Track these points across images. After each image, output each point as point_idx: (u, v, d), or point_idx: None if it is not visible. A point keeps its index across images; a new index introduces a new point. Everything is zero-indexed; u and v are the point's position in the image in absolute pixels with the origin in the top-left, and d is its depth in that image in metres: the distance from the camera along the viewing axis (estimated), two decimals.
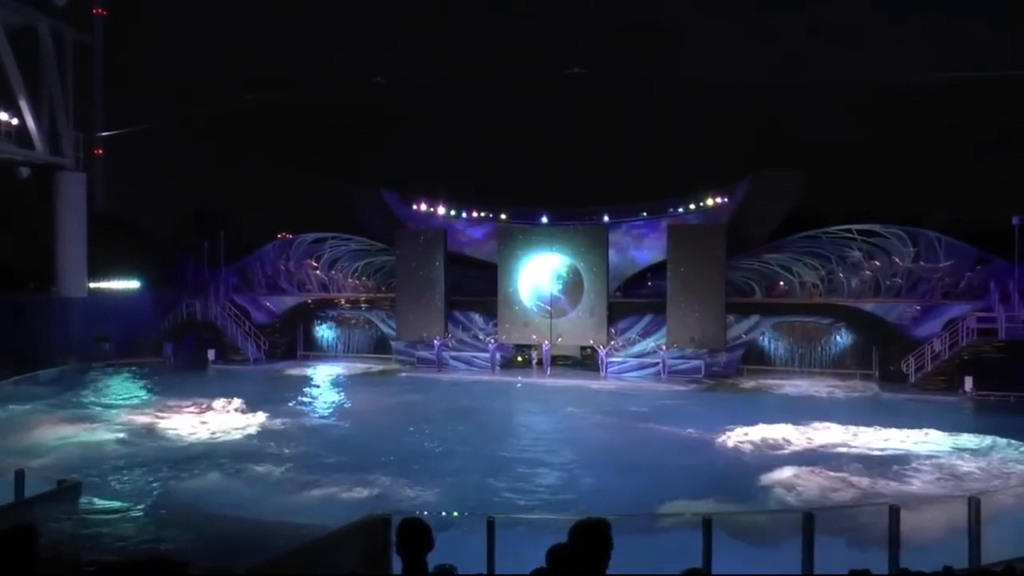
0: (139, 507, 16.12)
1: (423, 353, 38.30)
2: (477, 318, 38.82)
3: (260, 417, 26.57)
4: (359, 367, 38.75)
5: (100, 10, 55.03)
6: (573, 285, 36.48)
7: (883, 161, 63.72)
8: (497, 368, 36.71)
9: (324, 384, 35.05)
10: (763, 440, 23.16)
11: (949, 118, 58.25)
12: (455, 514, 15.68)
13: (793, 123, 66.76)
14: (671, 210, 39.34)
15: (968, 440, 22.56)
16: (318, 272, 41.70)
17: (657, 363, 34.92)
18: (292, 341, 42.54)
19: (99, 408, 28.75)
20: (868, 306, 34.01)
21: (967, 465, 19.91)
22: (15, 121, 36.96)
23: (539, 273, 36.95)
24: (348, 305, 41.66)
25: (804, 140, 62.88)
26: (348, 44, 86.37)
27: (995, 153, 60.48)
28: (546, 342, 36.43)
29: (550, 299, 36.59)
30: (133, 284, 43.47)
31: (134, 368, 37.73)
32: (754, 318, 35.63)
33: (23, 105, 37.15)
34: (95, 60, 49.19)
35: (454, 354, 37.88)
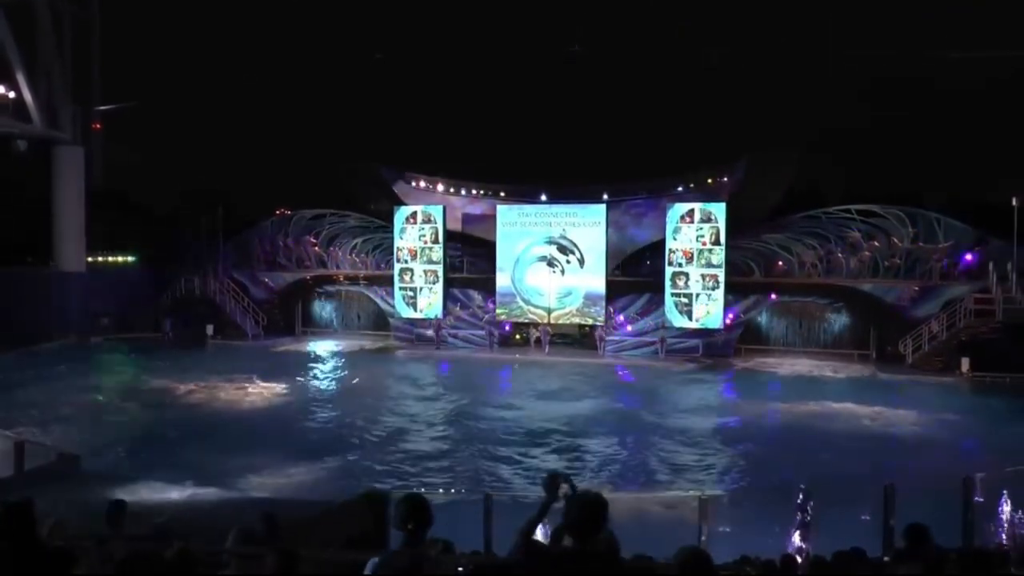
0: (137, 480, 16.17)
1: (421, 330, 38.34)
2: (476, 295, 38.84)
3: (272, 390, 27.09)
4: (358, 344, 38.78)
5: None
6: (571, 263, 36.53)
7: (882, 140, 63.46)
8: (495, 346, 36.76)
9: (324, 361, 35.09)
10: None
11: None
12: (452, 491, 15.80)
13: (793, 103, 66.51)
14: (671, 189, 39.22)
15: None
16: (316, 249, 41.59)
17: (655, 342, 34.99)
18: (290, 317, 42.55)
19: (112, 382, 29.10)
20: (867, 286, 34.03)
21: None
22: (12, 95, 36.79)
23: (537, 251, 36.97)
24: (347, 282, 41.61)
25: (804, 120, 62.63)
26: (347, 20, 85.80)
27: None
28: (543, 322, 36.50)
29: (547, 277, 36.66)
30: (131, 259, 43.43)
31: (133, 343, 37.76)
32: (752, 298, 35.68)
33: (20, 79, 36.97)
34: (93, 34, 48.77)
35: (452, 331, 37.91)
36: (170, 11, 72.35)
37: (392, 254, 39.10)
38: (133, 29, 62.16)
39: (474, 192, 42.94)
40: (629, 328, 36.02)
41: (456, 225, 40.16)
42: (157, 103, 60.45)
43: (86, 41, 46.82)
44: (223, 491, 14.68)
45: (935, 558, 5.83)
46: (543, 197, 39.87)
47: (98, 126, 49.65)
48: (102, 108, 50.14)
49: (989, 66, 50.28)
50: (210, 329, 39.79)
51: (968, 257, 32.28)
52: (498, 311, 37.53)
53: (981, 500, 11.10)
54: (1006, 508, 10.45)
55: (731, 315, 35.05)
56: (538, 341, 36.54)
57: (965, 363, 29.88)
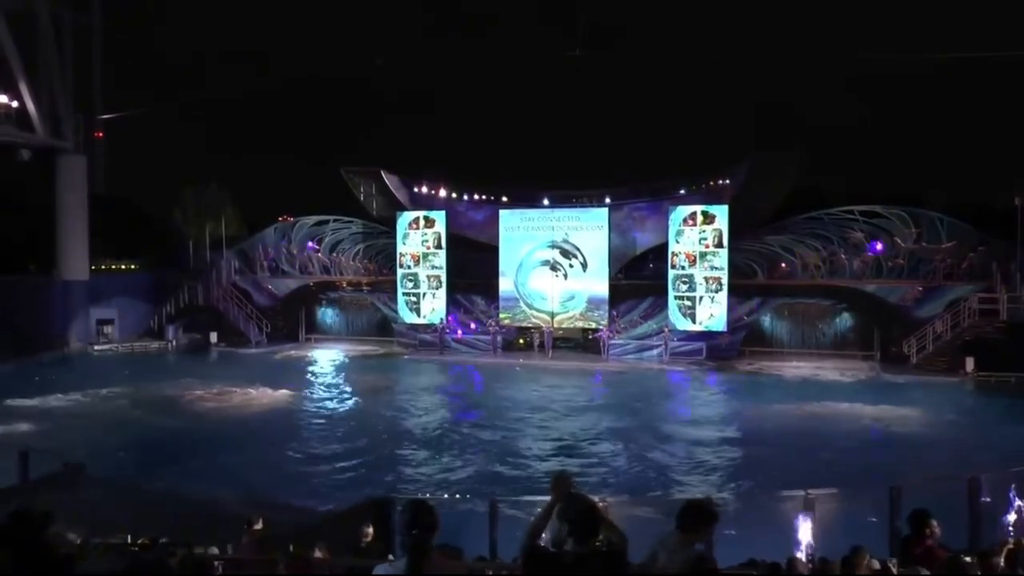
0: (142, 487, 16.17)
1: (425, 336, 38.31)
2: (479, 300, 38.80)
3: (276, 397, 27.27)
4: (361, 350, 38.77)
5: None
6: (574, 267, 36.51)
7: (884, 140, 63.56)
8: (499, 351, 36.70)
9: (328, 367, 35.08)
10: None
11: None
12: (457, 496, 15.80)
13: (795, 102, 66.55)
14: (673, 192, 39.19)
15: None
16: (319, 255, 41.54)
17: (659, 345, 34.92)
18: (294, 324, 42.52)
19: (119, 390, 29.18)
20: (870, 287, 33.98)
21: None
22: (15, 104, 36.87)
23: (540, 255, 36.95)
24: (350, 288, 41.58)
25: (806, 120, 62.76)
26: (348, 24, 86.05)
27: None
28: (547, 326, 36.46)
29: (550, 281, 36.65)
30: (134, 266, 43.48)
31: (136, 351, 37.77)
32: (756, 300, 35.62)
33: (23, 88, 37.04)
34: (94, 42, 48.86)
35: (456, 336, 37.86)
36: (172, 18, 72.65)
37: (395, 260, 39.09)
38: (135, 37, 62.45)
39: (476, 197, 42.92)
40: (635, 331, 35.90)
41: (459, 230, 40.12)
42: (159, 110, 60.64)
43: (88, 48, 46.89)
44: (226, 497, 14.67)
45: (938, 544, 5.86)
46: (545, 201, 39.86)
47: (100, 134, 49.73)
48: (104, 117, 50.20)
49: (993, 67, 50.31)
50: (214, 336, 39.79)
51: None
52: (501, 315, 37.49)
53: (988, 500, 11.05)
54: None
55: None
56: (541, 345, 36.51)
57: (969, 363, 29.81)
